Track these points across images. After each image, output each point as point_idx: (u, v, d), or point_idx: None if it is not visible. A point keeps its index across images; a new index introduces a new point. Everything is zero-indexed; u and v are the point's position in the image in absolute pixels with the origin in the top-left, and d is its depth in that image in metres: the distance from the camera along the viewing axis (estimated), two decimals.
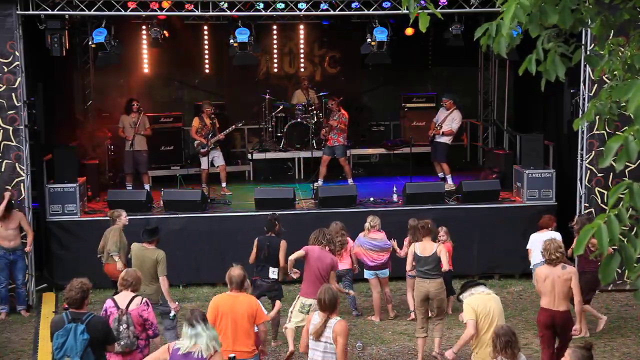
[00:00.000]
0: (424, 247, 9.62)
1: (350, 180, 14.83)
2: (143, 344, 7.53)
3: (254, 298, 7.77)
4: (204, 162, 14.59)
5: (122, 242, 10.54)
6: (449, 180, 14.67)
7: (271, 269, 9.97)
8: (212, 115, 14.86)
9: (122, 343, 7.33)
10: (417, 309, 9.74)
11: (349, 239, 11.03)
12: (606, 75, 8.89)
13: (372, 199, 13.71)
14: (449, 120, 14.74)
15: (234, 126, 15.25)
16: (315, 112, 16.14)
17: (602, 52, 4.97)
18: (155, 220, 11.69)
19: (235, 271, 7.49)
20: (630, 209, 3.96)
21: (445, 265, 9.57)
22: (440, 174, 15.04)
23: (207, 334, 6.11)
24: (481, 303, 7.47)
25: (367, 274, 11.21)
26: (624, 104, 4.35)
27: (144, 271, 9.62)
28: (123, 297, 7.63)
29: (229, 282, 7.50)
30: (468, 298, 7.57)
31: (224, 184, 14.74)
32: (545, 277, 8.50)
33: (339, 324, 6.91)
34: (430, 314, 9.75)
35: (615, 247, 3.99)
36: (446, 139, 14.81)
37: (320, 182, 14.65)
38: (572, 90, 12.39)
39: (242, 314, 7.34)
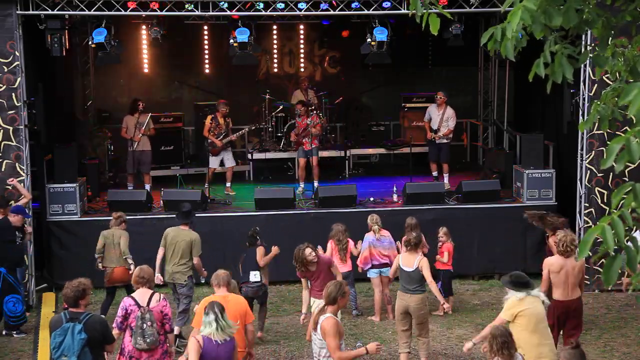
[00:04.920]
0: (407, 261, 9.30)
1: (315, 183, 14.48)
2: (163, 339, 7.69)
3: (242, 298, 7.94)
4: (213, 162, 14.57)
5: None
6: (445, 180, 14.66)
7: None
8: (226, 116, 14.77)
9: (148, 340, 7.47)
10: (398, 322, 9.36)
11: (349, 240, 11.06)
12: (607, 76, 8.92)
13: (372, 199, 13.71)
14: (444, 121, 14.69)
15: (246, 129, 15.23)
16: (315, 112, 16.13)
17: (603, 55, 4.96)
18: (188, 203, 11.51)
19: (221, 271, 7.76)
20: (632, 211, 3.96)
21: (429, 279, 9.18)
22: (435, 173, 15.01)
23: (218, 324, 6.54)
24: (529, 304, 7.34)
25: (370, 272, 11.19)
26: (625, 104, 4.35)
27: (175, 250, 10.16)
28: (141, 295, 7.72)
29: (216, 283, 7.72)
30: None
31: (228, 184, 14.74)
32: (560, 269, 8.73)
33: (325, 321, 6.85)
34: (416, 332, 9.41)
35: (616, 249, 4.00)
36: (447, 139, 14.78)
37: (302, 186, 14.59)
38: (572, 91, 12.39)
39: (234, 314, 7.38)
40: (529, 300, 7.29)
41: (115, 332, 7.63)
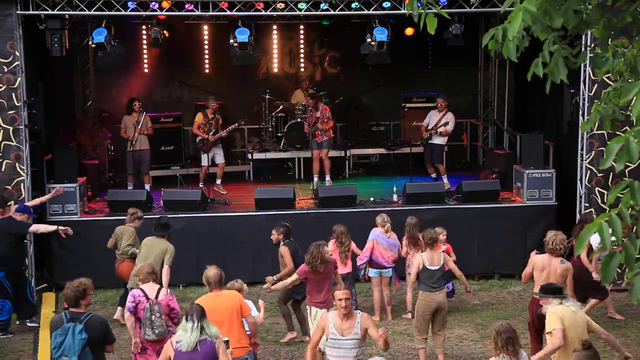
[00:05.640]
0: (432, 259, 9.35)
1: (328, 177, 14.76)
2: (172, 331, 7.74)
3: (236, 292, 7.91)
4: (204, 159, 14.54)
5: (137, 243, 10.82)
6: (445, 181, 14.65)
7: None
8: (216, 112, 14.76)
9: (156, 332, 7.63)
10: (423, 322, 9.34)
11: (352, 242, 11.04)
12: (607, 75, 8.90)
13: (372, 199, 13.70)
14: (443, 121, 14.68)
15: (236, 124, 15.23)
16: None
17: (603, 55, 4.97)
18: (167, 216, 11.64)
19: (211, 271, 7.68)
20: (631, 209, 3.96)
21: (458, 272, 9.63)
22: (433, 175, 15.00)
23: (194, 334, 6.33)
24: (568, 314, 7.22)
25: (371, 272, 11.18)
26: (625, 104, 4.35)
27: (148, 260, 9.90)
28: (150, 288, 7.89)
29: (207, 284, 7.68)
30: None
31: (218, 181, 14.67)
32: (543, 268, 8.77)
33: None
34: (436, 327, 9.45)
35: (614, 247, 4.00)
36: (442, 140, 14.75)
37: (316, 178, 14.66)
38: (572, 90, 12.40)
39: (227, 310, 7.48)
40: (571, 309, 7.25)
41: (126, 315, 7.86)
